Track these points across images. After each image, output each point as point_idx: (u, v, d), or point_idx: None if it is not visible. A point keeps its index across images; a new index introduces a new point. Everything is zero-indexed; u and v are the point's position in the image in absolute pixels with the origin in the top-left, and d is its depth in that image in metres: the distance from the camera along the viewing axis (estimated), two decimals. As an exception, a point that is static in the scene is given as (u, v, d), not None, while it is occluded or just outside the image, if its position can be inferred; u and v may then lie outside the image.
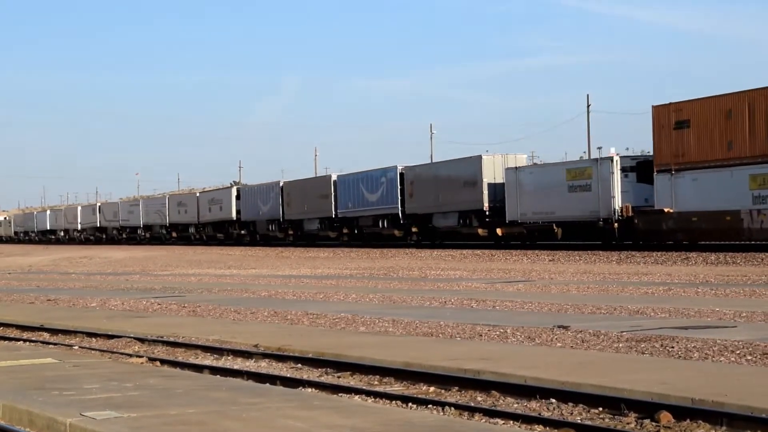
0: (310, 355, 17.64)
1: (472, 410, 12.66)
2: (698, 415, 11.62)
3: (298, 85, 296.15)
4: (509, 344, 18.38)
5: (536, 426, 11.80)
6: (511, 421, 12.02)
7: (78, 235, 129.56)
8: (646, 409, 12.05)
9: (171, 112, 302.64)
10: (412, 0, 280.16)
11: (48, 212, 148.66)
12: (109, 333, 22.64)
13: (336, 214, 77.78)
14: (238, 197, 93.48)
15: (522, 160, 62.44)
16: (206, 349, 19.60)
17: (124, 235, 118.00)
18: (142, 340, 21.30)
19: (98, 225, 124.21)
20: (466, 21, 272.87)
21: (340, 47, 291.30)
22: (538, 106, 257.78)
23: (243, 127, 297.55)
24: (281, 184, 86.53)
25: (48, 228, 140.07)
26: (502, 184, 60.19)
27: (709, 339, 17.55)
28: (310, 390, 14.60)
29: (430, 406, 13.09)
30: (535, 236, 58.82)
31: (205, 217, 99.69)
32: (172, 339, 21.14)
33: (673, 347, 16.88)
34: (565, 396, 13.06)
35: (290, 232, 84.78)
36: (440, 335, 19.96)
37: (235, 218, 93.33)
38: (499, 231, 60.56)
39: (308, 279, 42.14)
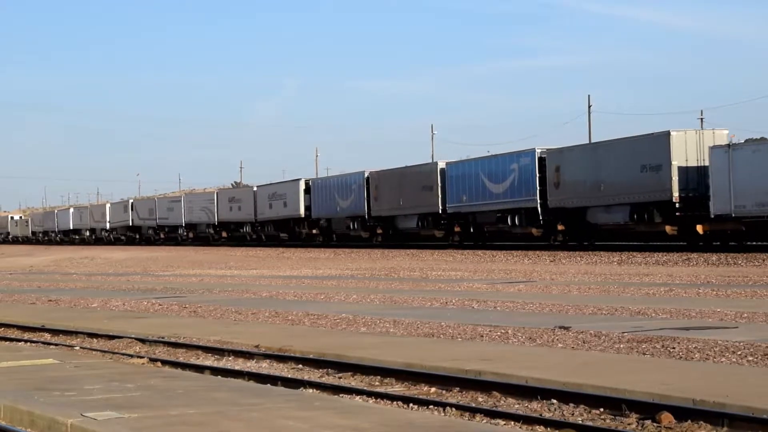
0: (311, 356, 17.64)
1: (473, 411, 12.66)
2: (699, 415, 11.62)
3: (298, 85, 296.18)
4: (510, 345, 18.38)
5: (537, 427, 11.80)
6: (513, 422, 12.02)
7: (106, 235, 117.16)
8: (648, 409, 12.05)
9: (171, 113, 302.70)
10: (411, 0, 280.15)
11: (71, 210, 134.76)
12: (111, 333, 22.64)
13: (443, 209, 64.36)
14: (307, 191, 79.66)
15: (722, 136, 48.89)
16: (207, 349, 19.60)
17: (161, 235, 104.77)
18: (143, 341, 21.30)
19: (131, 224, 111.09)
20: (467, 21, 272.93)
21: (339, 48, 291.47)
22: (538, 107, 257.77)
23: (243, 127, 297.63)
24: (366, 174, 72.80)
25: (71, 227, 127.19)
26: (699, 168, 47.64)
27: (710, 340, 17.55)
28: (311, 391, 14.60)
29: (431, 406, 13.09)
30: (759, 234, 46.61)
31: (264, 215, 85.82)
32: (173, 339, 21.15)
33: (674, 348, 16.88)
34: (567, 397, 13.06)
35: (378, 231, 71.74)
36: (441, 336, 19.96)
37: (303, 215, 79.82)
38: (699, 228, 47.33)
39: (309, 280, 42.15)
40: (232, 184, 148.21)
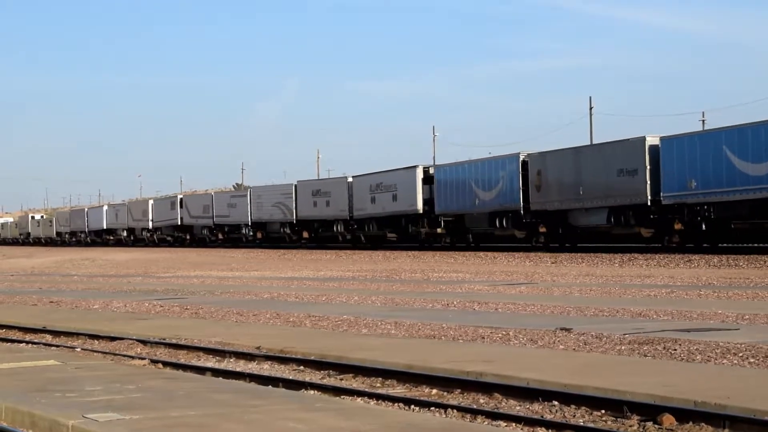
0: (312, 357, 17.65)
1: (474, 412, 12.66)
2: (701, 417, 11.62)
3: (299, 86, 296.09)
4: (512, 346, 18.38)
5: (539, 428, 11.79)
6: (514, 423, 12.02)
7: (148, 235, 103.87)
8: (649, 411, 12.05)
9: (172, 114, 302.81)
10: (412, 1, 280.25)
11: (105, 208, 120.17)
12: (112, 335, 22.65)
13: (655, 200, 48.42)
14: (427, 180, 64.44)
15: None
16: (208, 351, 19.62)
17: (219, 236, 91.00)
18: (144, 342, 21.32)
19: (179, 223, 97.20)
20: (467, 22, 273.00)
21: (340, 49, 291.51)
22: (539, 109, 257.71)
23: (244, 128, 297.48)
24: (523, 157, 56.79)
25: (104, 227, 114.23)
26: None
27: (711, 341, 17.55)
28: (312, 392, 14.60)
29: (432, 408, 13.09)
30: None
31: (364, 211, 70.99)
32: (174, 341, 21.16)
33: (675, 350, 16.88)
34: (568, 398, 13.06)
35: (541, 229, 56.06)
36: (443, 337, 19.96)
37: (421, 210, 64.61)
38: None
39: (310, 281, 42.14)
40: (233, 186, 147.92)
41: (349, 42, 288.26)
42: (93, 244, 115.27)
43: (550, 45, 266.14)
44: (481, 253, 56.84)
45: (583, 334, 19.40)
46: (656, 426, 11.65)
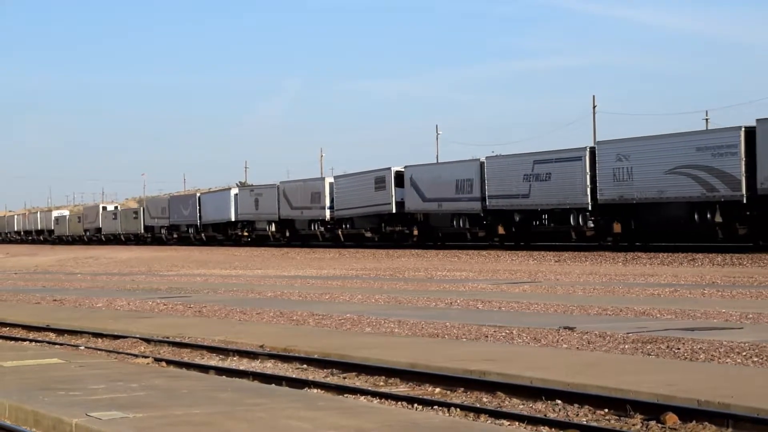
0: (315, 356, 17.66)
1: (477, 411, 12.67)
2: (704, 416, 11.61)
3: (300, 86, 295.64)
4: (515, 345, 18.38)
5: (542, 427, 11.80)
6: (517, 422, 12.02)
7: (323, 230, 73.14)
8: (652, 410, 12.05)
9: (174, 113, 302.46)
10: (413, 1, 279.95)
11: (234, 192, 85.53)
12: (115, 333, 22.68)
13: None
14: None
15: None
16: (212, 349, 19.63)
17: (498, 230, 58.12)
18: (147, 341, 21.33)
19: (394, 210, 65.01)
20: (468, 22, 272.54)
21: (341, 48, 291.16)
22: (541, 109, 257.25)
23: (245, 128, 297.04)
24: None
25: (232, 218, 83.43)
26: None
27: (715, 340, 17.55)
28: (315, 391, 14.61)
29: (435, 407, 13.09)
30: None
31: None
32: (177, 339, 21.18)
33: (679, 349, 16.87)
34: (571, 397, 13.06)
35: None
36: (446, 336, 19.97)
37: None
38: None
39: (314, 280, 42.14)
40: (237, 184, 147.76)
41: (351, 42, 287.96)
42: (209, 242, 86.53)
43: (550, 45, 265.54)
44: (485, 252, 56.81)
45: (587, 333, 19.40)
46: (659, 425, 11.65)
